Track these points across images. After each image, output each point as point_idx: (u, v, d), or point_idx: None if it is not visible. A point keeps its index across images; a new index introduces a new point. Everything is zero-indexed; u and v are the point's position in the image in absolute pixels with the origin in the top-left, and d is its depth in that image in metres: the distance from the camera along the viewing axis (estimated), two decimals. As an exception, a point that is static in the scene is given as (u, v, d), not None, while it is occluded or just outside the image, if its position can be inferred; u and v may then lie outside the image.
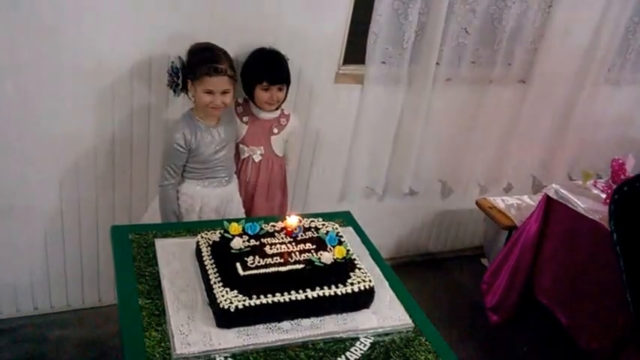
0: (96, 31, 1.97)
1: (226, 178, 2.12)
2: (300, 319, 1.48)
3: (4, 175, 2.09)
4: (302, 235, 1.63)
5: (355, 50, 2.43)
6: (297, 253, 1.54)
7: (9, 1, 1.84)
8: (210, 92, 1.93)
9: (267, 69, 2.11)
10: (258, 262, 1.49)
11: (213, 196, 2.09)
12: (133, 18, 1.99)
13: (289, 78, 2.16)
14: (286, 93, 2.17)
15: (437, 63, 2.52)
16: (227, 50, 2.00)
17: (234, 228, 1.58)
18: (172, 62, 1.96)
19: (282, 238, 1.60)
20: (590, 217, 2.27)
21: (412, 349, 1.48)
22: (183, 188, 2.06)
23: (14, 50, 1.90)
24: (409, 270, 2.85)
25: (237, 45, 2.11)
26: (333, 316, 1.51)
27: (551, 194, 2.43)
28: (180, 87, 1.97)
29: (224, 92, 1.95)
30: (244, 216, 2.18)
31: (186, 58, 1.96)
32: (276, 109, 2.20)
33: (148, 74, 2.10)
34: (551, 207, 2.46)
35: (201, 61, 1.92)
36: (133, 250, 1.67)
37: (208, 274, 1.49)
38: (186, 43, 1.99)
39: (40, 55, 1.94)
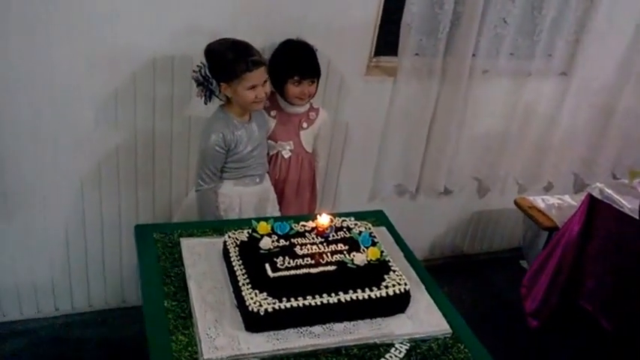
0: (113, 26, 1.94)
1: (261, 176, 2.08)
2: (332, 324, 1.45)
3: (24, 173, 2.08)
4: (334, 236, 1.60)
5: (387, 41, 2.38)
6: (328, 254, 1.52)
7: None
8: (253, 87, 1.88)
9: (298, 63, 2.06)
10: (289, 263, 1.47)
11: (252, 194, 2.06)
12: (153, 10, 1.96)
13: (320, 71, 2.10)
14: (317, 86, 2.11)
15: (473, 54, 2.46)
16: (253, 43, 1.93)
17: (263, 227, 1.55)
18: (198, 70, 1.90)
19: (313, 239, 1.58)
20: (638, 217, 2.17)
21: (450, 357, 1.44)
22: (221, 189, 2.02)
23: (35, 46, 1.89)
24: (443, 272, 2.76)
25: (263, 37, 2.07)
26: (367, 320, 1.48)
27: (595, 194, 2.35)
28: (216, 93, 1.92)
29: (264, 82, 1.91)
30: (279, 213, 2.15)
31: (211, 61, 1.89)
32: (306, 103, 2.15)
33: (170, 69, 2.07)
34: (595, 207, 2.37)
35: (236, 58, 1.85)
36: (158, 250, 1.65)
37: (236, 276, 1.47)
38: (209, 35, 1.93)
39: (58, 53, 1.92)
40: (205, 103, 1.95)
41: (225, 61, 1.86)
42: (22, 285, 2.29)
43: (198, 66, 1.91)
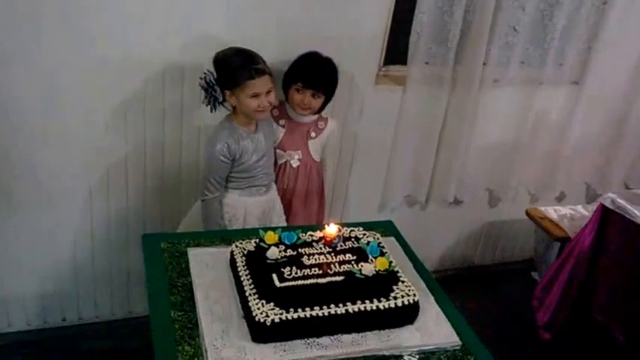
0: (124, 35, 1.95)
1: (267, 186, 2.07)
2: (340, 335, 1.43)
3: (31, 183, 2.09)
4: (342, 245, 1.58)
5: (397, 50, 2.37)
6: (336, 265, 1.50)
7: (39, 5, 1.83)
8: (256, 95, 1.88)
9: (305, 70, 2.06)
10: (296, 273, 1.45)
11: (256, 205, 2.05)
12: (164, 20, 1.97)
13: (330, 88, 2.09)
14: (324, 103, 2.10)
15: (484, 63, 2.45)
16: (263, 54, 1.93)
17: (270, 237, 1.54)
18: (204, 77, 1.91)
19: (321, 249, 1.56)
20: (651, 227, 2.15)
21: (460, 370, 1.41)
22: (225, 199, 2.01)
23: (42, 54, 1.90)
24: (454, 284, 2.74)
25: (273, 48, 2.06)
26: (375, 331, 1.46)
27: (607, 204, 2.32)
28: (219, 101, 1.93)
29: (268, 92, 1.90)
30: (285, 224, 2.14)
31: (217, 69, 1.90)
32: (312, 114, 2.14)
33: (180, 78, 2.07)
34: (607, 217, 2.35)
35: (239, 66, 1.86)
36: (165, 260, 1.64)
37: (243, 286, 1.45)
38: (219, 46, 1.94)
39: (69, 61, 1.94)
40: (211, 111, 1.95)
41: (229, 68, 1.87)
42: (28, 295, 2.28)
43: (204, 73, 1.92)
